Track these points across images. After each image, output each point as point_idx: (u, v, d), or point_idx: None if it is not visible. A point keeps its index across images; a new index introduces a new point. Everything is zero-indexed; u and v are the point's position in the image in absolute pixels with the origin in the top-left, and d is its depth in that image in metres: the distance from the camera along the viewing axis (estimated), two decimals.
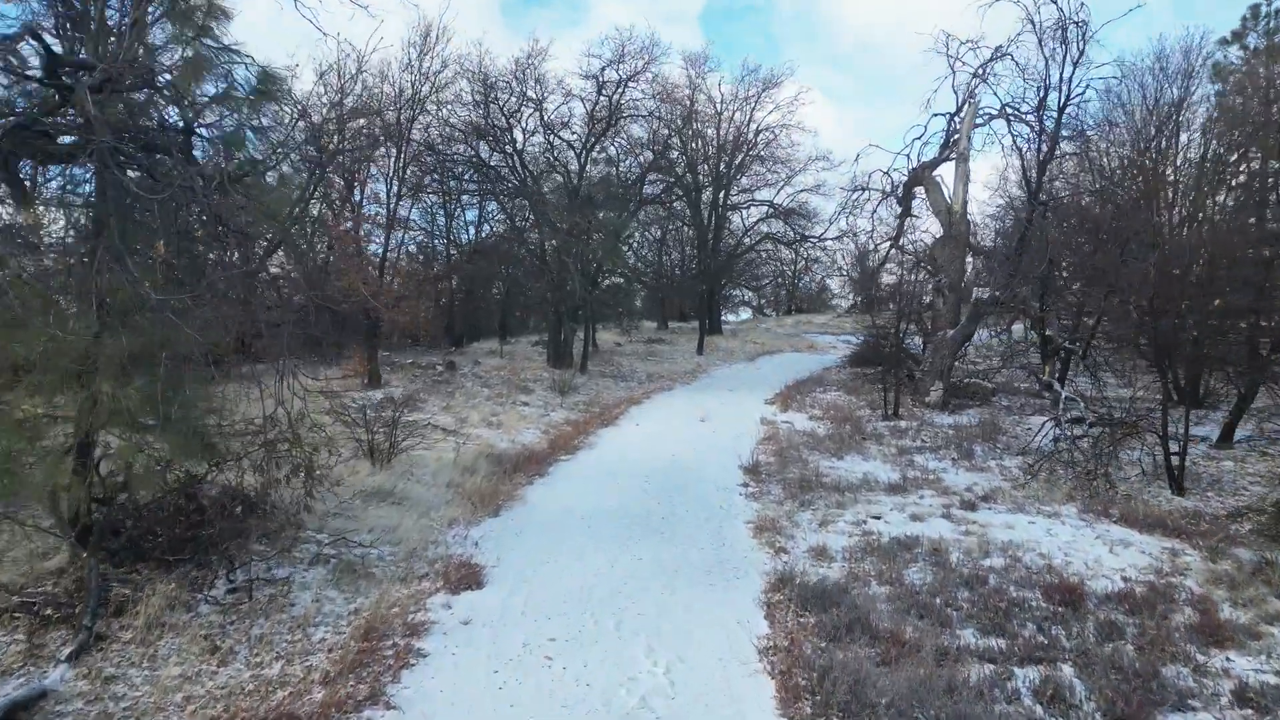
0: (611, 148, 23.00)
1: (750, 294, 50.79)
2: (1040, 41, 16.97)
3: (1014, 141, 19.78)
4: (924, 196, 21.22)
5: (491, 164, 21.67)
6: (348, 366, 19.05)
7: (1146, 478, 12.52)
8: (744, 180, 35.33)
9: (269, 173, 9.00)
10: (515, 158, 21.34)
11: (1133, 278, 12.35)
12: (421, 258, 29.87)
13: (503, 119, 20.82)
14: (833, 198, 48.37)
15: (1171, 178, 20.36)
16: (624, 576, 8.15)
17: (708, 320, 35.11)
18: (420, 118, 20.04)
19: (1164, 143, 20.91)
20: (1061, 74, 17.32)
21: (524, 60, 20.70)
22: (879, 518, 10.53)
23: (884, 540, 9.51)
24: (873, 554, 9.03)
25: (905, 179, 21.57)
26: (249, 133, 7.41)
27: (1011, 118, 19.39)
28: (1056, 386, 15.47)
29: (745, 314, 59.47)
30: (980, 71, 20.28)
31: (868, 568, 8.58)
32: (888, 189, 22.17)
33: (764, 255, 41.93)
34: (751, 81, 34.76)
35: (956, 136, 20.36)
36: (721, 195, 34.74)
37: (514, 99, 20.89)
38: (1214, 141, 20.63)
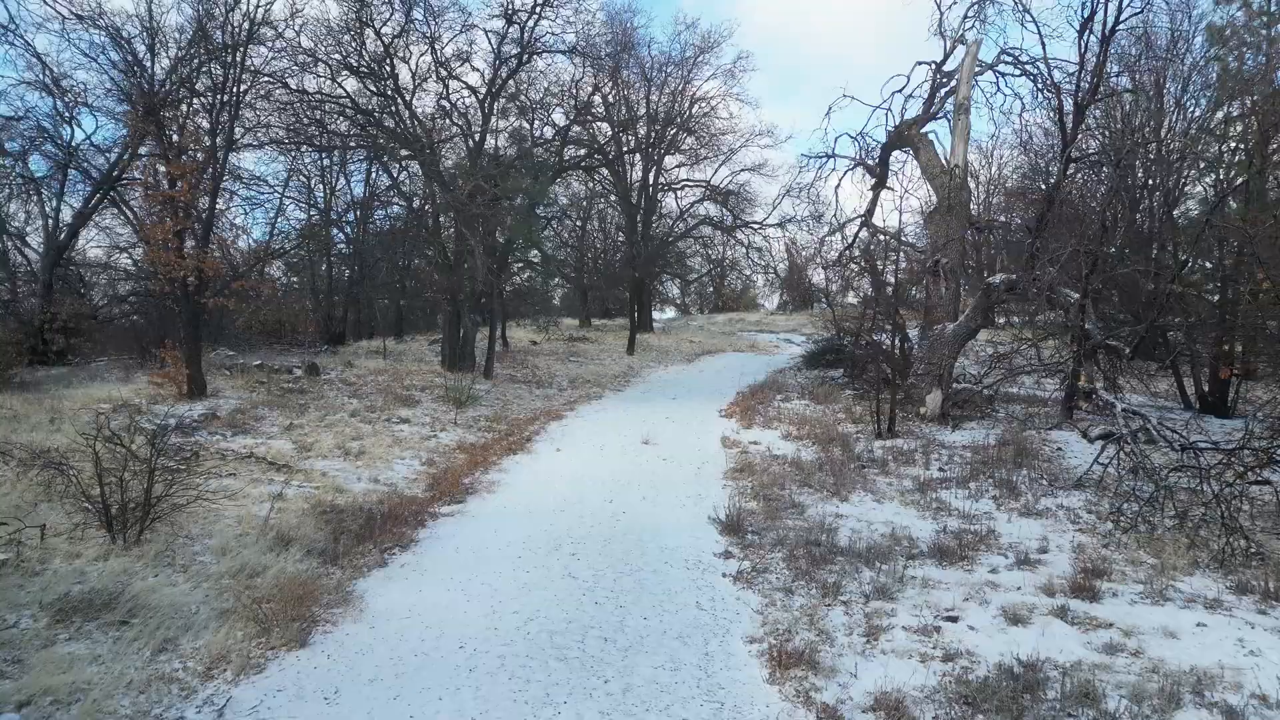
0: (524, 97, 18.52)
1: (676, 291, 46.83)
2: None
3: (1037, 86, 16.05)
4: (897, 175, 17.53)
5: (368, 109, 16.86)
6: (160, 372, 13.96)
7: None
8: (678, 157, 31.23)
9: None
10: (399, 100, 16.60)
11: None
12: (297, 239, 24.68)
13: (379, 44, 15.97)
14: (776, 179, 44.51)
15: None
16: None
17: (638, 316, 30.91)
18: (270, 43, 15.09)
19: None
20: None
21: None
22: (955, 618, 6.47)
23: (985, 672, 5.46)
24: (980, 706, 4.96)
25: (883, 142, 17.80)
26: None
27: (1025, 63, 15.82)
28: (1107, 396, 11.82)
29: (670, 312, 55.68)
30: (977, 8, 16.68)
31: None
32: (861, 155, 18.35)
33: (697, 244, 37.97)
34: (688, 41, 30.72)
35: (950, 86, 16.70)
36: (653, 174, 30.56)
37: (396, 18, 16.12)
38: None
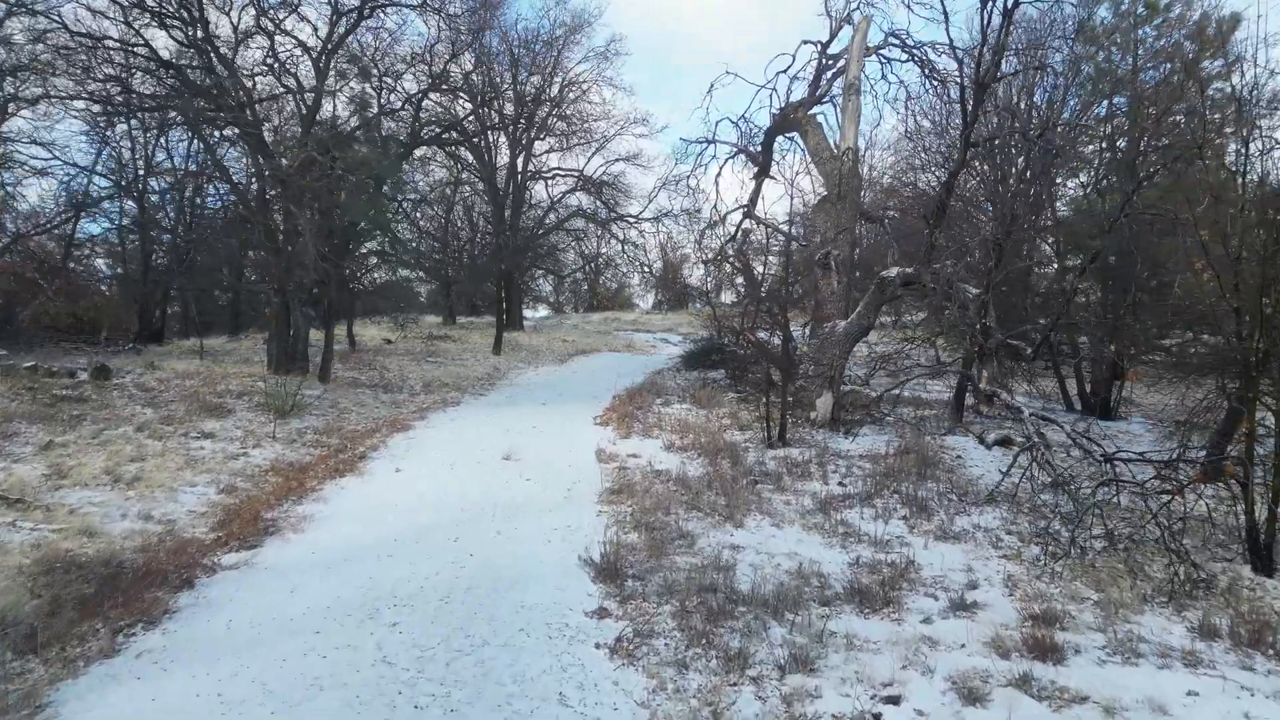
0: (368, 59, 16.01)
1: (549, 289, 44.80)
2: None
3: (925, 73, 15.19)
4: (780, 164, 16.33)
5: (175, 63, 13.95)
6: None
7: (1213, 548, 8.02)
8: (549, 142, 29.25)
9: None
10: (211, 53, 13.78)
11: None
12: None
13: None
14: (652, 170, 42.80)
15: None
16: None
17: (507, 313, 28.75)
18: None
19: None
20: None
21: None
22: (896, 699, 4.98)
23: None
24: None
25: (767, 126, 16.61)
26: None
27: (913, 47, 14.95)
28: (1009, 399, 10.92)
29: (543, 310, 53.55)
30: None
31: None
32: (743, 142, 17.07)
33: (570, 238, 36.08)
34: (558, 19, 28.82)
35: (837, 67, 15.69)
36: (521, 159, 28.47)
37: None
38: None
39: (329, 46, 14.49)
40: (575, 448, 11.68)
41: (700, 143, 17.96)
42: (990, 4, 11.45)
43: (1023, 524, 8.83)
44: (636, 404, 15.27)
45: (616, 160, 30.36)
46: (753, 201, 17.53)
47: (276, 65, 14.59)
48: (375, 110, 15.37)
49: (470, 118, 20.07)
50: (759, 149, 17.13)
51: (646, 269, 42.81)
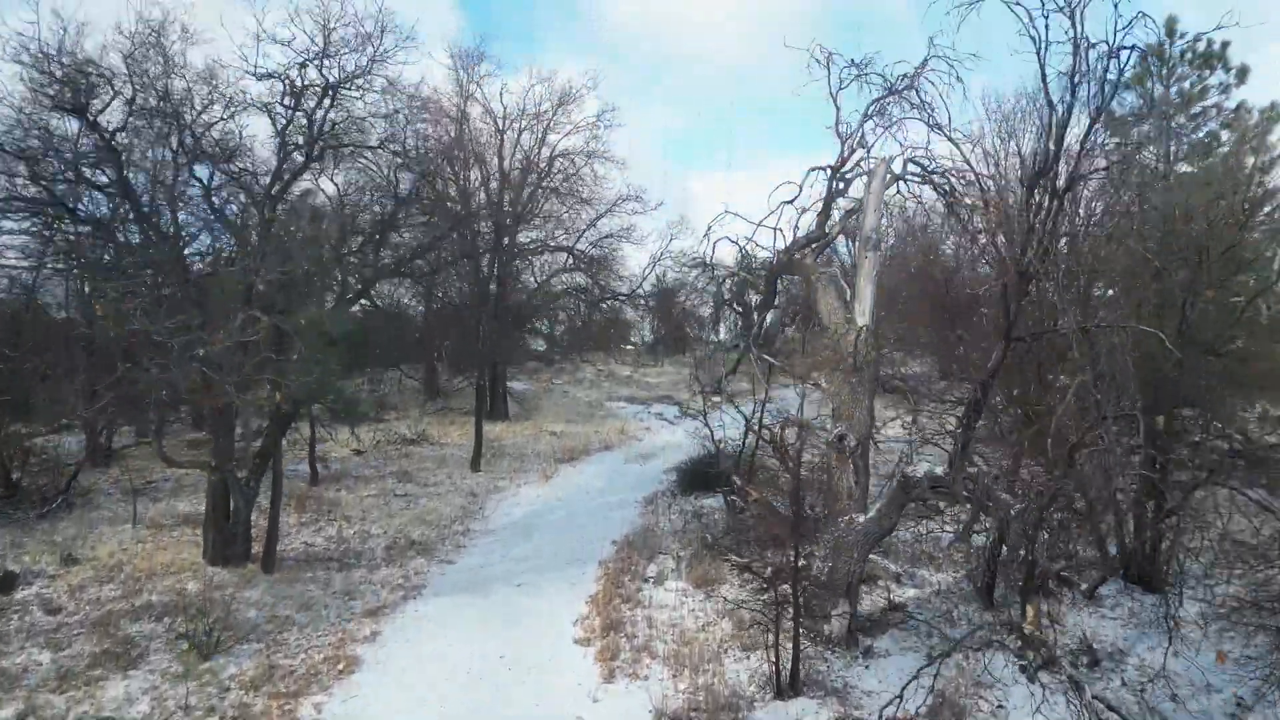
0: (323, 193, 14.29)
1: (541, 342, 42.84)
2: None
3: (950, 206, 13.42)
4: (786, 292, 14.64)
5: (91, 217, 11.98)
6: None
7: None
8: (536, 221, 27.52)
9: None
10: (131, 205, 11.82)
11: None
12: None
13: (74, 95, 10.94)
14: (645, 245, 40.28)
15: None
16: None
17: (490, 401, 26.96)
18: None
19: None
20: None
21: (140, 35, 11.33)
22: None
23: None
24: None
25: (770, 259, 14.85)
26: None
27: (934, 172, 13.16)
28: (1071, 671, 9.15)
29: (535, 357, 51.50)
30: (879, 106, 13.99)
31: None
32: (742, 273, 15.28)
33: (563, 305, 34.25)
34: (545, 94, 27.04)
35: (849, 197, 13.99)
36: (507, 240, 26.72)
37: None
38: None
39: (271, 193, 12.63)
40: (543, 699, 9.86)
41: (696, 267, 16.21)
42: (1039, 185, 9.70)
43: None
44: (624, 593, 13.44)
45: (608, 236, 28.62)
46: (756, 334, 15.78)
47: (213, 209, 12.73)
48: (323, 249, 13.43)
49: (448, 237, 18.12)
50: (752, 299, 15.37)
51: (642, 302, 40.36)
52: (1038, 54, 8.78)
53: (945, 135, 13.04)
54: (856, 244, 13.00)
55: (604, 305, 29.95)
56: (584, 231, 28.08)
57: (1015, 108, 23.05)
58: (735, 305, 24.72)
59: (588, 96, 28.18)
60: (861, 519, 11.91)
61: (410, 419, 27.12)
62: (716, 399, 17.37)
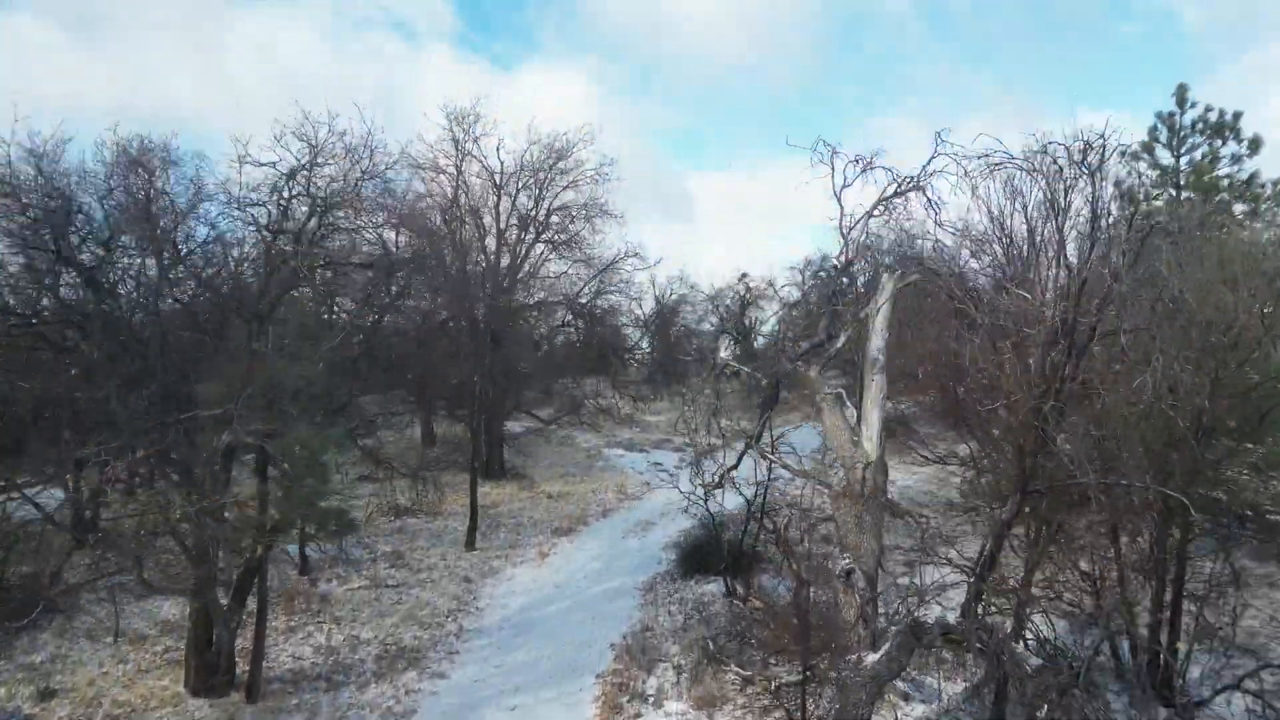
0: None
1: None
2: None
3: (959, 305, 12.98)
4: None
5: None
6: None
7: None
8: (534, 283, 27.20)
9: None
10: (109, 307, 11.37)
11: None
12: None
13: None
14: (645, 300, 39.37)
15: None
16: None
17: (487, 460, 26.52)
18: None
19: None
20: None
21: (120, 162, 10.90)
22: None
23: None
24: None
25: (773, 367, 14.41)
26: None
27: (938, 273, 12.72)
28: None
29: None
30: (883, 208, 13.52)
31: None
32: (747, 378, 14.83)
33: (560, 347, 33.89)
34: (541, 152, 26.58)
35: (854, 304, 13.56)
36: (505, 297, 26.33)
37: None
38: None
39: (263, 310, 12.15)
40: None
41: (697, 360, 15.71)
42: (1058, 344, 9.27)
43: None
44: (634, 672, 13.09)
45: (608, 291, 28.30)
46: (758, 436, 15.30)
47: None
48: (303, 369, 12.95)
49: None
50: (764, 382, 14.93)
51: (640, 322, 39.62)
52: (1056, 220, 8.34)
53: (951, 231, 12.60)
54: (863, 364, 12.56)
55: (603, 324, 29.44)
56: (582, 289, 27.72)
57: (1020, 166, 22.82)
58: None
59: (584, 148, 27.62)
60: (870, 659, 11.42)
61: (407, 467, 26.43)
62: (717, 490, 16.91)
